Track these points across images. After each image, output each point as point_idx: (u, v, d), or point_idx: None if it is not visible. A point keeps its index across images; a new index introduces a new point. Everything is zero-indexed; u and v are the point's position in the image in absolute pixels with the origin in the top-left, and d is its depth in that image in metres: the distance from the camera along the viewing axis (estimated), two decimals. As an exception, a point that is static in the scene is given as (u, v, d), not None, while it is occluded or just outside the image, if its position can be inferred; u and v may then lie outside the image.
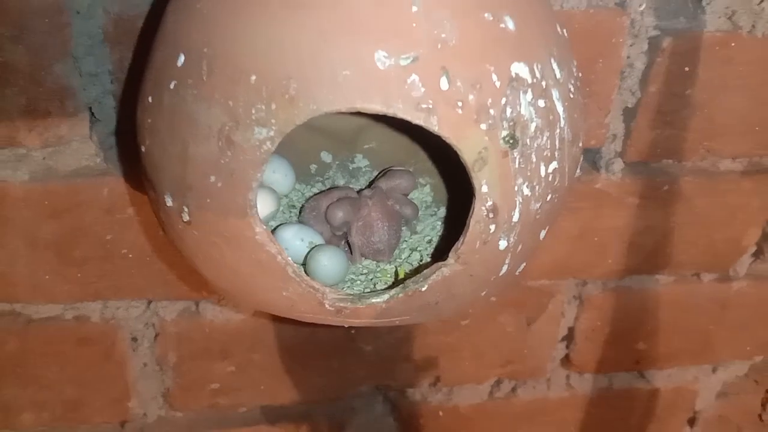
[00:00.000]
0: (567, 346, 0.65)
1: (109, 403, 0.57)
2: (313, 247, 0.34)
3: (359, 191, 0.37)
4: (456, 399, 0.65)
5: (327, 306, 0.28)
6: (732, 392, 0.75)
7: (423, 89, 0.24)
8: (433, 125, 0.25)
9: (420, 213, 0.41)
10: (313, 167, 0.44)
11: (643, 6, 0.48)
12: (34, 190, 0.47)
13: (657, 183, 0.56)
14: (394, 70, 0.24)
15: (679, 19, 0.49)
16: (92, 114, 0.45)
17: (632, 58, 0.50)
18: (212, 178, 0.26)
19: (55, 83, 0.43)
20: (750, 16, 0.50)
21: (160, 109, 0.27)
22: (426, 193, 0.43)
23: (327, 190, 0.38)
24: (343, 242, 0.36)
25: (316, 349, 0.58)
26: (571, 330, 0.64)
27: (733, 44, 0.51)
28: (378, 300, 0.28)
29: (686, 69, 0.51)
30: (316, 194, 0.38)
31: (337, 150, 0.44)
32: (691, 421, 0.76)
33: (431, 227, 0.40)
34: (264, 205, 0.38)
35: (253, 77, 0.25)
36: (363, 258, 0.37)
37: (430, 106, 0.25)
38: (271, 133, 0.25)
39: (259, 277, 0.28)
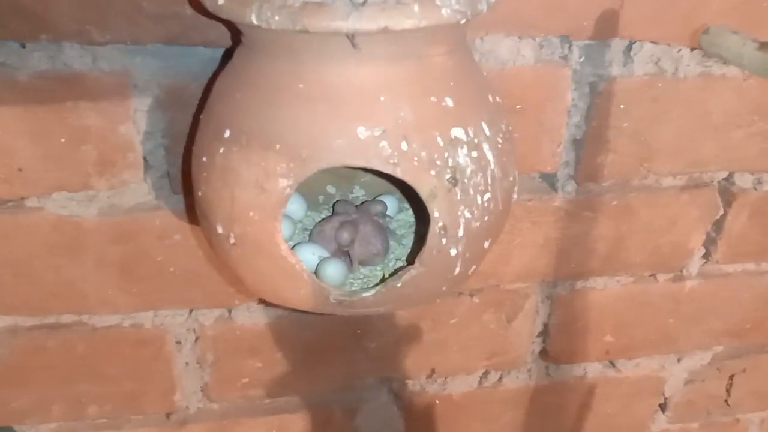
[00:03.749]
0: (543, 341, 0.77)
1: (158, 397, 0.70)
2: (322, 260, 0.47)
3: (351, 214, 0.51)
4: (449, 388, 0.77)
5: (331, 300, 0.41)
6: (698, 379, 0.85)
7: (390, 150, 0.38)
8: (399, 174, 0.38)
9: (404, 231, 0.54)
10: (321, 197, 0.57)
11: (582, 58, 0.61)
12: (102, 223, 0.59)
13: (606, 199, 0.68)
14: (371, 138, 0.37)
15: (612, 67, 0.62)
16: (147, 162, 0.58)
17: (576, 99, 0.63)
18: (251, 213, 0.39)
19: (119, 140, 0.56)
20: (672, 62, 0.63)
21: (212, 166, 0.41)
22: (409, 215, 0.56)
23: (328, 216, 0.52)
24: (342, 257, 0.50)
25: (328, 347, 0.71)
26: (545, 326, 0.76)
27: (659, 85, 0.63)
28: (367, 294, 0.41)
29: (621, 106, 0.64)
30: (320, 221, 0.51)
31: (340, 184, 0.58)
32: (663, 406, 0.87)
33: (412, 242, 0.53)
34: (284, 230, 0.52)
35: (278, 146, 0.38)
36: (360, 266, 0.50)
37: (396, 162, 0.38)
38: (290, 182, 0.38)
39: (283, 280, 0.41)
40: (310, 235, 0.51)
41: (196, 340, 0.68)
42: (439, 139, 0.38)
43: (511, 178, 0.43)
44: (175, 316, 0.66)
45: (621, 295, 0.76)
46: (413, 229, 0.55)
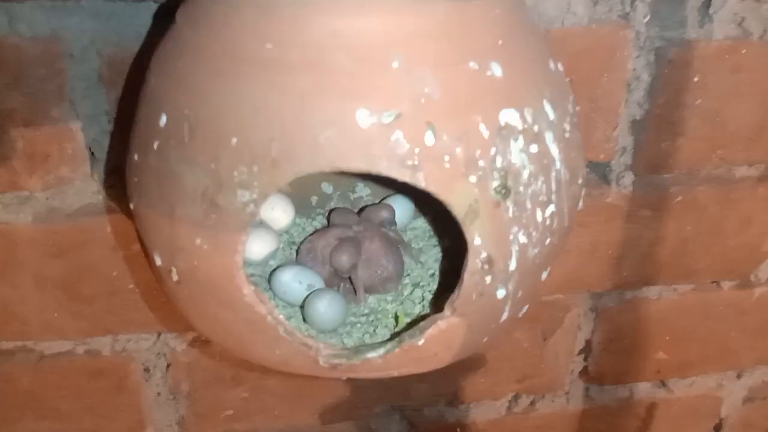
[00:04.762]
0: (585, 359, 0.65)
1: (126, 432, 0.58)
2: (312, 292, 0.34)
3: (352, 226, 0.37)
4: (473, 415, 0.65)
5: (321, 363, 0.27)
6: (759, 397, 0.74)
7: (408, 146, 0.24)
8: (420, 181, 0.24)
9: (422, 243, 0.41)
10: (314, 199, 0.44)
11: (648, 17, 0.47)
12: (39, 231, 0.47)
13: (669, 194, 0.55)
14: (377, 128, 0.23)
15: (685, 29, 0.48)
16: (92, 153, 0.45)
17: (639, 70, 0.49)
18: (198, 241, 0.25)
19: (53, 127, 0.43)
20: (760, 22, 0.49)
21: (146, 168, 0.27)
22: (428, 222, 0.42)
23: (322, 229, 0.38)
24: (341, 285, 0.36)
25: (328, 372, 0.58)
26: (588, 342, 0.63)
27: (743, 51, 0.49)
28: (374, 354, 0.27)
29: (695, 79, 0.50)
30: (310, 235, 0.37)
31: (338, 180, 0.44)
32: (717, 427, 0.75)
33: (434, 259, 0.40)
34: (263, 245, 0.38)
35: (234, 140, 0.24)
36: (367, 296, 0.36)
37: (416, 163, 0.24)
38: (254, 196, 0.24)
39: (251, 335, 0.27)
40: (297, 252, 0.38)
41: (168, 367, 0.55)
42: (482, 128, 0.24)
43: (579, 181, 0.30)
44: (139, 341, 0.53)
45: (678, 305, 0.63)
46: (433, 242, 0.41)
